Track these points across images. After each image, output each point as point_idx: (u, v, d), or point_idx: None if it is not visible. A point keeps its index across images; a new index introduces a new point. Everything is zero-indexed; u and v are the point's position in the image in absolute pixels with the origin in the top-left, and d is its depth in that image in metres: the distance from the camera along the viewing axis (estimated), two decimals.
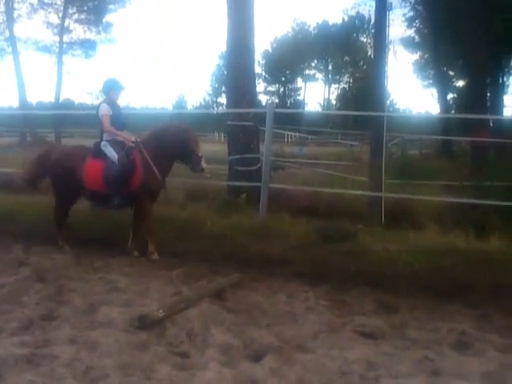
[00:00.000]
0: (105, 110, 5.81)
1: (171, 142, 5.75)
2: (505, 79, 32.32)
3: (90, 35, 33.87)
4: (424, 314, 4.29)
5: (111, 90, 6.02)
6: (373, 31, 9.65)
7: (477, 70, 17.82)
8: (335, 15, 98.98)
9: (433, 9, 23.49)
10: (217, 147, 17.14)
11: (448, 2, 22.00)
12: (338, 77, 61.62)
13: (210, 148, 14.28)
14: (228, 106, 8.77)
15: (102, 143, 5.85)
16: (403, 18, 26.61)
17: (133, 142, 5.74)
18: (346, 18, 53.18)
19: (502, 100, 31.11)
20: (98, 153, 5.83)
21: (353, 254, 5.62)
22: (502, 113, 27.91)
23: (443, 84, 26.43)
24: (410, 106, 69.31)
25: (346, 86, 61.52)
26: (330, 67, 61.26)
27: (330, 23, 58.42)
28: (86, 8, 32.23)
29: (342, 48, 55.79)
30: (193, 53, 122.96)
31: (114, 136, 5.84)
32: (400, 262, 5.51)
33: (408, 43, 36.31)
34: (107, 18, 33.76)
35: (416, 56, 38.84)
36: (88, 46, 34.26)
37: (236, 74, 8.23)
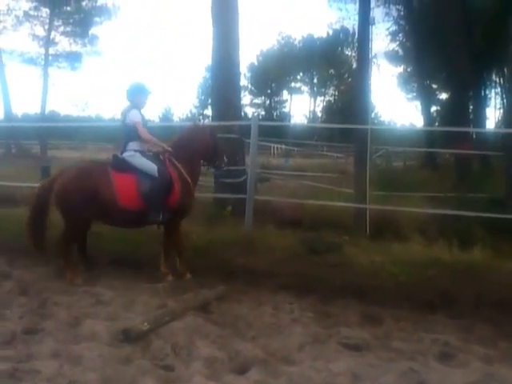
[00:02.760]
0: (137, 116, 5.26)
1: (199, 148, 5.44)
2: (487, 92, 32.96)
3: (76, 47, 33.89)
4: (408, 325, 4.31)
5: (137, 94, 5.45)
6: (357, 45, 9.79)
7: (459, 83, 18.11)
8: (320, 29, 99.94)
9: (415, 23, 23.92)
10: None
11: (430, 17, 22.43)
12: (323, 89, 62.30)
13: None
14: (213, 118, 8.81)
15: (129, 154, 5.22)
16: (387, 32, 27.01)
17: (168, 151, 5.29)
18: (331, 32, 53.81)
19: (485, 113, 31.62)
20: (122, 165, 5.18)
21: (338, 266, 5.66)
22: (485, 125, 28.38)
23: (427, 97, 26.76)
24: (395, 119, 70.14)
25: (331, 98, 62.21)
26: (315, 80, 61.89)
27: (315, 37, 59.19)
28: (71, 20, 32.24)
29: (327, 61, 56.45)
30: (180, 65, 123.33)
31: (153, 145, 5.37)
32: (385, 274, 5.55)
33: (392, 57, 36.88)
34: (93, 30, 33.83)
35: (400, 69, 39.56)
36: (74, 58, 34.22)
37: (221, 87, 8.29)
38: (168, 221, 5.23)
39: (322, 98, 63.36)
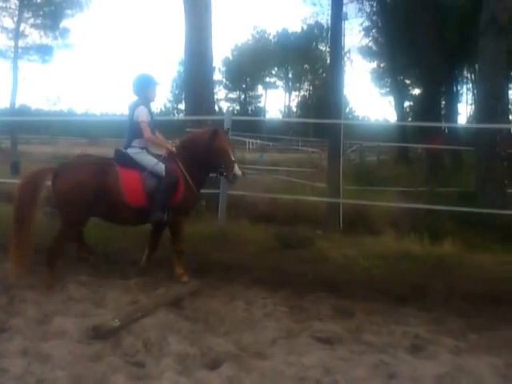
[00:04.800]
0: (145, 114, 5.00)
1: (202, 151, 5.06)
2: (458, 88, 33.60)
3: (47, 40, 33.03)
4: (380, 318, 4.36)
5: (147, 87, 5.17)
6: (330, 40, 9.82)
7: (432, 79, 18.39)
8: (295, 24, 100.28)
9: (388, 19, 24.18)
10: None
11: (403, 13, 22.69)
12: (298, 84, 62.51)
13: None
14: (186, 113, 8.74)
15: (134, 151, 5.03)
16: (360, 28, 27.25)
17: (170, 150, 5.10)
18: (306, 27, 53.97)
19: (457, 108, 32.21)
20: (128, 162, 4.98)
21: (311, 260, 5.69)
22: (457, 120, 28.92)
23: (400, 92, 27.14)
24: (369, 114, 70.96)
25: (306, 93, 62.47)
26: (290, 75, 62.07)
27: (290, 32, 59.27)
28: (41, 13, 31.38)
29: (301, 56, 56.61)
30: (154, 59, 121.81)
31: (156, 144, 5.19)
32: (357, 268, 5.62)
33: (366, 52, 37.20)
34: (64, 23, 33.03)
35: (373, 65, 39.92)
36: (44, 51, 33.36)
37: (194, 81, 8.23)
38: (173, 220, 5.07)
39: (297, 92, 63.67)
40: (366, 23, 27.46)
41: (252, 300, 4.60)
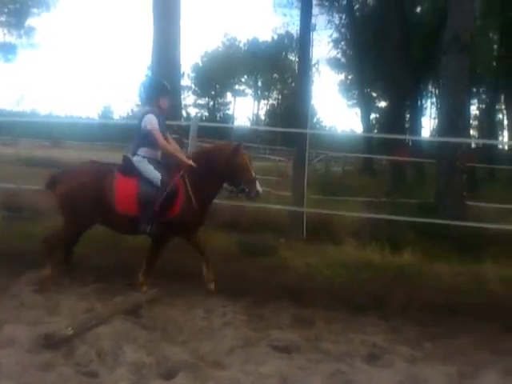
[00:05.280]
0: (154, 122, 4.91)
1: (219, 166, 4.93)
2: (423, 102, 34.56)
3: (11, 39, 32.32)
4: (339, 326, 4.39)
5: (160, 95, 5.11)
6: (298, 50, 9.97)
7: (397, 93, 18.84)
8: (265, 33, 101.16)
9: (357, 32, 24.70)
10: None
11: (371, 27, 23.25)
12: (267, 93, 62.90)
13: None
14: None
15: (137, 159, 4.97)
16: (329, 39, 27.72)
17: (189, 165, 4.93)
18: (276, 37, 54.51)
19: (421, 121, 33.08)
20: (129, 169, 4.94)
21: (273, 269, 5.70)
22: (420, 133, 29.68)
23: (366, 104, 27.69)
24: (336, 125, 71.90)
25: (274, 102, 62.95)
26: (259, 83, 62.40)
27: (260, 40, 59.68)
28: (6, 10, 30.73)
29: (271, 65, 57.07)
30: (122, 62, 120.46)
31: (170, 154, 5.07)
32: (318, 276, 5.66)
33: (334, 64, 37.91)
34: (30, 21, 32.41)
35: (342, 76, 40.68)
36: (8, 49, 32.64)
37: None
38: (160, 234, 5.00)
39: (266, 101, 64.04)
40: (335, 35, 27.99)
41: (212, 308, 4.55)
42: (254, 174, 4.98)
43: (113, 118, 56.23)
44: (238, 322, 4.27)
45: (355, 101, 38.84)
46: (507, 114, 31.75)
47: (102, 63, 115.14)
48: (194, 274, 5.35)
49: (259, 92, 62.86)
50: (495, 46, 28.70)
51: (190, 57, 75.74)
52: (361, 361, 3.72)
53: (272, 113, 60.76)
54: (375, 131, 35.17)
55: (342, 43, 31.17)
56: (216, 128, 27.34)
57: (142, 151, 5.00)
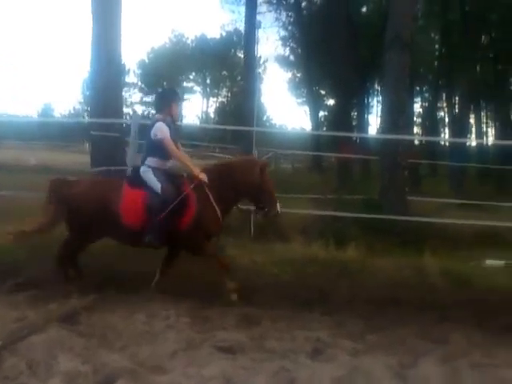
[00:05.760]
0: (165, 131, 4.82)
1: (243, 183, 4.92)
2: (370, 100, 35.46)
3: None
4: (284, 324, 4.40)
5: (172, 102, 5.05)
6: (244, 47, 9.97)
7: (344, 91, 19.20)
8: (214, 29, 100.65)
9: (304, 31, 24.99)
10: (86, 158, 16.32)
11: (318, 26, 23.59)
12: (216, 90, 62.54)
13: (78, 159, 13.54)
14: (92, 115, 8.41)
15: (143, 169, 4.89)
16: (277, 37, 27.95)
17: (200, 178, 4.83)
18: (224, 34, 54.33)
19: (367, 119, 33.93)
20: (136, 180, 4.88)
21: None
22: (367, 131, 30.43)
23: (315, 102, 28.10)
24: (286, 122, 72.58)
25: (224, 99, 62.73)
26: (208, 81, 61.95)
27: (209, 37, 59.26)
28: None
29: (220, 62, 56.70)
30: (64, 59, 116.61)
31: (183, 164, 4.99)
32: (266, 274, 5.65)
33: (283, 61, 38.24)
34: None
35: (290, 74, 41.09)
36: None
37: (100, 82, 7.95)
38: (190, 245, 4.94)
39: (215, 99, 63.74)
40: (283, 33, 28.25)
41: (154, 312, 4.44)
42: (275, 193, 4.97)
43: (54, 116, 54.12)
44: (182, 325, 4.20)
45: (304, 99, 39.32)
46: (448, 112, 33.00)
47: (41, 60, 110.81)
48: (134, 278, 5.22)
49: (208, 89, 62.45)
50: (436, 46, 29.81)
51: (136, 53, 74.37)
52: (305, 357, 3.74)
53: (221, 110, 60.48)
54: (324, 129, 35.73)
55: (291, 41, 31.53)
56: None
57: (150, 161, 4.90)
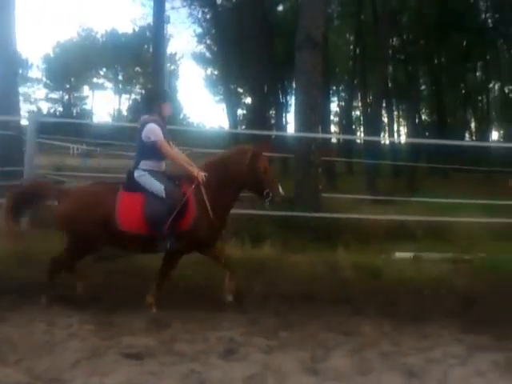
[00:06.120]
0: (158, 132, 4.66)
1: (239, 174, 4.78)
2: (288, 98, 36.27)
3: None
4: (196, 325, 4.37)
5: (163, 101, 4.91)
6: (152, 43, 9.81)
7: (261, 89, 19.46)
8: (125, 24, 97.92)
9: (220, 27, 25.03)
10: None
11: (234, 23, 23.74)
12: (129, 87, 60.98)
13: None
14: None
15: (138, 173, 4.71)
16: (193, 34, 27.78)
17: (200, 178, 4.68)
18: (137, 28, 53.12)
19: (286, 117, 34.68)
20: (133, 185, 4.69)
21: (126, 272, 5.49)
22: (286, 129, 31.10)
23: (232, 100, 28.20)
24: (204, 121, 72.30)
25: (137, 96, 61.28)
26: (120, 77, 60.26)
27: (120, 32, 57.59)
28: None
29: (132, 58, 55.33)
30: None
31: (179, 165, 4.82)
32: (177, 276, 5.56)
33: (199, 59, 38.11)
34: None
35: (208, 72, 41.03)
36: None
37: None
38: (185, 250, 4.87)
39: (128, 95, 62.12)
40: (198, 29, 28.13)
41: (55, 320, 4.24)
42: (274, 179, 4.88)
43: None
44: (85, 333, 4.04)
45: (221, 97, 39.41)
46: (363, 111, 34.60)
47: None
48: (32, 285, 4.93)
49: (120, 86, 60.71)
50: (351, 47, 31.14)
51: (41, 47, 70.66)
52: (217, 357, 3.75)
53: (135, 108, 59.03)
54: (243, 127, 36.03)
55: (207, 38, 31.49)
56: (72, 124, 25.86)
57: (144, 164, 4.73)
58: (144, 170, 4.73)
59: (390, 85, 32.05)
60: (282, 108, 32.65)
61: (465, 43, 31.41)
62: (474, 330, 4.49)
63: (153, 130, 4.68)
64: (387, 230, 8.30)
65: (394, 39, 30.10)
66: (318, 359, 3.82)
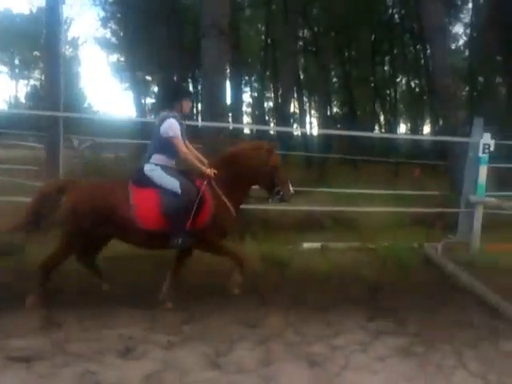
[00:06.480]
0: (176, 129, 4.70)
1: (251, 169, 4.86)
2: (200, 88, 36.00)
3: None
4: (93, 323, 4.25)
5: (183, 98, 4.90)
6: (66, 27, 9.29)
7: (169, 77, 19.15)
8: (21, 4, 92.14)
9: (125, 12, 24.25)
10: None
11: (141, 7, 23.08)
12: (26, 72, 57.42)
13: None
14: None
15: (150, 168, 4.72)
16: (97, 17, 26.73)
17: (209, 175, 4.77)
18: (35, 10, 50.10)
19: (197, 107, 34.39)
20: (144, 180, 4.68)
21: (16, 270, 5.22)
22: (197, 119, 30.87)
23: (139, 88, 27.53)
24: (111, 109, 69.75)
25: (37, 83, 57.85)
26: (16, 61, 56.59)
27: (15, 13, 53.95)
28: None
29: (29, 41, 52.04)
30: None
31: (191, 165, 4.82)
32: (73, 273, 5.36)
33: (104, 44, 36.73)
34: None
35: (113, 58, 39.68)
36: None
37: None
38: (207, 244, 4.89)
39: (26, 81, 58.52)
40: (102, 13, 27.11)
41: None
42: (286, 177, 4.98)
43: None
44: None
45: (129, 84, 38.29)
46: (275, 102, 35.15)
47: None
48: None
49: (17, 71, 57.00)
50: (263, 37, 31.46)
51: None
52: (114, 356, 3.69)
53: (34, 95, 55.63)
54: (152, 116, 35.30)
55: (112, 22, 30.43)
56: None
57: (156, 158, 4.77)
58: (156, 165, 4.77)
59: (302, 76, 32.89)
60: (192, 97, 32.31)
61: (373, 38, 32.81)
62: (378, 316, 4.75)
63: (172, 126, 4.72)
64: (295, 221, 8.55)
65: (305, 31, 30.91)
66: (221, 353, 3.87)
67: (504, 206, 6.59)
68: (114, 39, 32.80)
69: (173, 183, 4.68)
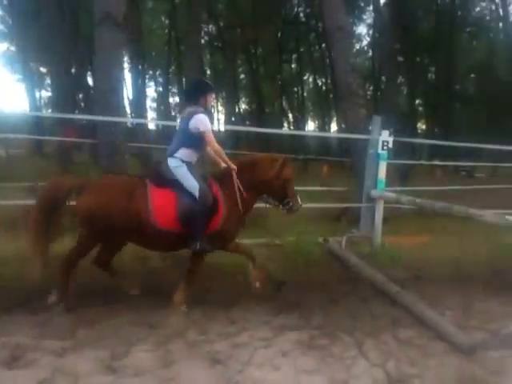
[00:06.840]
0: (208, 123, 4.78)
1: (267, 177, 5.05)
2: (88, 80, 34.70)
3: None
4: None
5: (207, 92, 4.96)
6: None
7: (65, 69, 18.34)
8: None
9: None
10: None
11: None
12: None
13: None
14: None
15: (175, 163, 4.74)
16: None
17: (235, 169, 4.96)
18: None
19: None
20: (164, 178, 4.72)
21: None
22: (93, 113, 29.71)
23: (32, 80, 26.12)
24: (3, 103, 65.30)
25: None
26: None
27: None
28: None
29: None
30: None
31: (221, 160, 4.98)
32: None
33: None
34: None
35: (3, 47, 37.30)
36: None
37: None
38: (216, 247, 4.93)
39: None
40: None
41: None
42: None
43: None
44: None
45: (21, 76, 36.18)
46: (180, 97, 34.90)
47: None
48: None
49: None
50: (167, 31, 31.08)
51: None
52: (0, 365, 3.46)
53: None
54: (49, 110, 33.61)
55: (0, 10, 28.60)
56: None
57: (182, 153, 4.80)
58: (183, 162, 4.78)
59: (208, 72, 32.90)
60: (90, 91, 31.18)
61: (279, 35, 33.55)
62: (282, 311, 4.86)
63: (203, 121, 4.78)
64: None
65: (211, 26, 30.97)
66: (118, 356, 3.78)
67: (403, 200, 6.98)
68: (2, 26, 30.76)
69: (194, 185, 4.74)
